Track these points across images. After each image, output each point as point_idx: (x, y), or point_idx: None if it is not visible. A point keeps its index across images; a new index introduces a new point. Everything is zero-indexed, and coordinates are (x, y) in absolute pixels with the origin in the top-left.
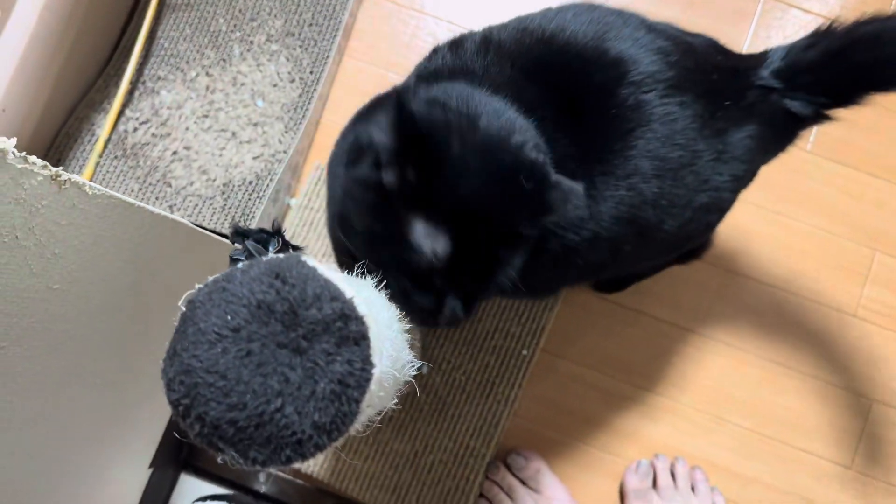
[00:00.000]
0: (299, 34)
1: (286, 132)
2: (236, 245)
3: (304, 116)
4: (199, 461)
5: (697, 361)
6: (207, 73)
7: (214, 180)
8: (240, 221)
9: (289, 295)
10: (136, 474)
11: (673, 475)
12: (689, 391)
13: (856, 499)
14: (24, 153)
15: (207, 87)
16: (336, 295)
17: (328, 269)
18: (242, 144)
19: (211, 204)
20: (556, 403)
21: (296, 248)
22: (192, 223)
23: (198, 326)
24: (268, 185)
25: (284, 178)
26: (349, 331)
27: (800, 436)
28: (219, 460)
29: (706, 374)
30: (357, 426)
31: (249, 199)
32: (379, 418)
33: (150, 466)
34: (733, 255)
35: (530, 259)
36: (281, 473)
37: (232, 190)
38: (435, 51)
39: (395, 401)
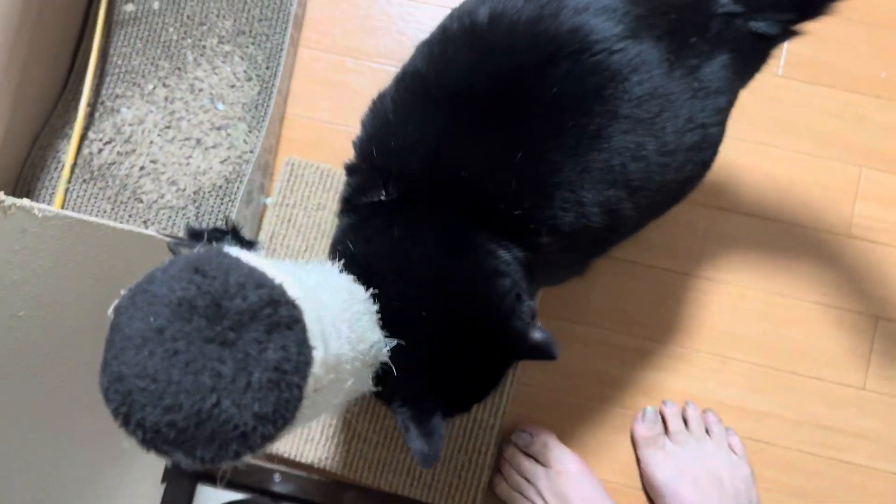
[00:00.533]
0: (250, 31)
1: (250, 132)
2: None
3: (265, 114)
4: (213, 469)
5: (697, 304)
6: (164, 84)
7: (184, 190)
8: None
9: (209, 288)
10: (150, 491)
11: (685, 420)
12: (692, 335)
13: (874, 418)
14: None
15: (166, 98)
16: (261, 282)
17: (256, 257)
18: (208, 150)
19: (184, 214)
20: (560, 365)
21: (250, 244)
22: (162, 234)
23: (123, 332)
24: (238, 188)
25: (255, 178)
26: (279, 316)
27: (808, 364)
28: (167, 464)
29: (707, 316)
30: (315, 411)
31: (221, 204)
32: (356, 400)
33: (163, 481)
34: (719, 192)
35: (535, 266)
36: (295, 471)
37: (203, 197)
38: (351, 170)
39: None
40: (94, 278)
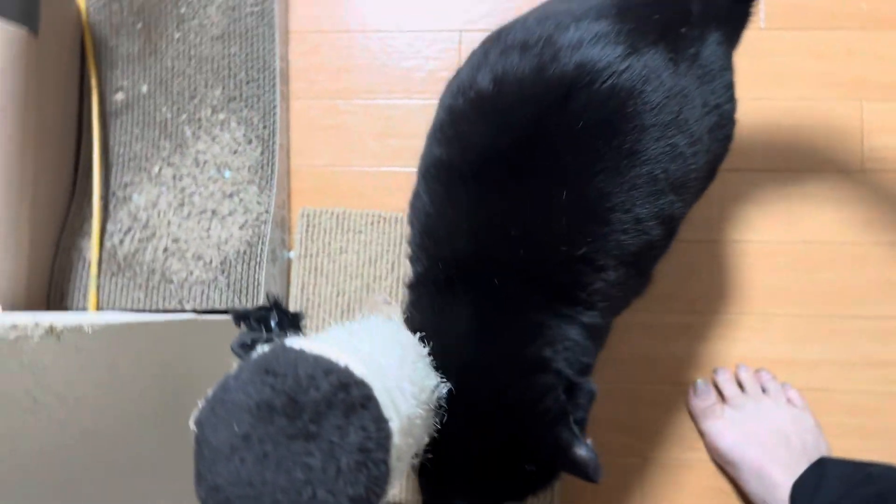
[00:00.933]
0: (241, 95)
1: (261, 192)
2: (241, 328)
3: (272, 172)
4: None
5: (728, 269)
6: (169, 164)
7: (211, 262)
8: (240, 300)
9: (283, 386)
10: None
11: (740, 384)
12: (729, 299)
13: None
14: (11, 323)
15: (174, 177)
16: (329, 368)
17: (319, 341)
18: (225, 219)
19: (216, 285)
20: (607, 355)
21: (295, 315)
22: (199, 312)
23: (210, 444)
24: (261, 250)
25: (275, 236)
26: (352, 397)
27: (848, 304)
28: None
29: (741, 278)
30: (398, 477)
31: (249, 268)
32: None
33: None
34: None
35: (598, 325)
36: None
37: (230, 265)
38: (412, 260)
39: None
40: (151, 375)
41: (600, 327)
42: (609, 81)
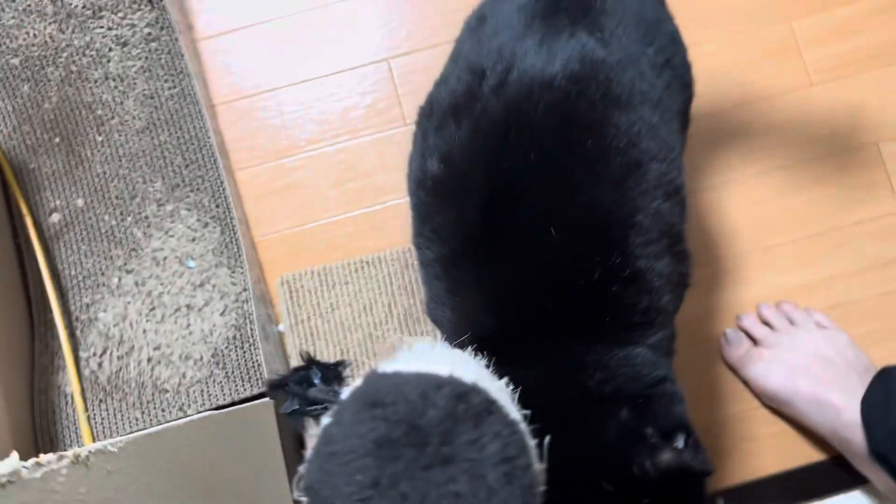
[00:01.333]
0: (183, 181)
1: (233, 272)
2: (282, 401)
3: (238, 248)
4: None
5: (715, 215)
6: (127, 271)
7: (201, 358)
8: (243, 387)
9: (397, 415)
10: None
11: (767, 324)
12: (726, 244)
13: None
14: (33, 461)
15: (136, 283)
16: (437, 382)
17: (407, 360)
18: (202, 310)
19: (214, 380)
20: None
21: (339, 364)
22: (209, 410)
23: None
24: (251, 329)
25: (260, 312)
26: (475, 405)
27: (842, 215)
28: None
29: (731, 220)
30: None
31: (244, 352)
32: None
33: None
34: None
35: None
36: None
37: (223, 355)
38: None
39: None
40: (186, 481)
41: (667, 337)
42: (555, 92)
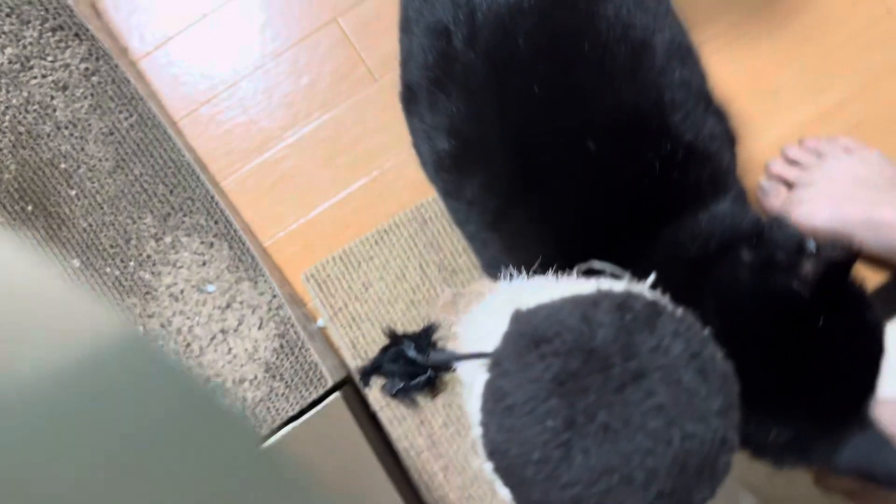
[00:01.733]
0: (173, 209)
1: (255, 284)
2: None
3: (252, 258)
4: None
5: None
6: (148, 317)
7: (255, 378)
8: (308, 390)
9: (567, 345)
10: None
11: (795, 163)
12: (728, 101)
13: None
14: None
15: (162, 326)
16: (588, 300)
17: (530, 291)
18: (238, 330)
19: (276, 394)
20: None
21: (427, 329)
22: (282, 425)
23: (529, 460)
24: (295, 333)
25: (296, 314)
26: (641, 311)
27: (833, 35)
28: None
29: (725, 70)
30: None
31: (297, 357)
32: None
33: None
34: None
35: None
36: None
37: (275, 368)
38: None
39: None
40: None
41: (740, 192)
42: (522, 25)
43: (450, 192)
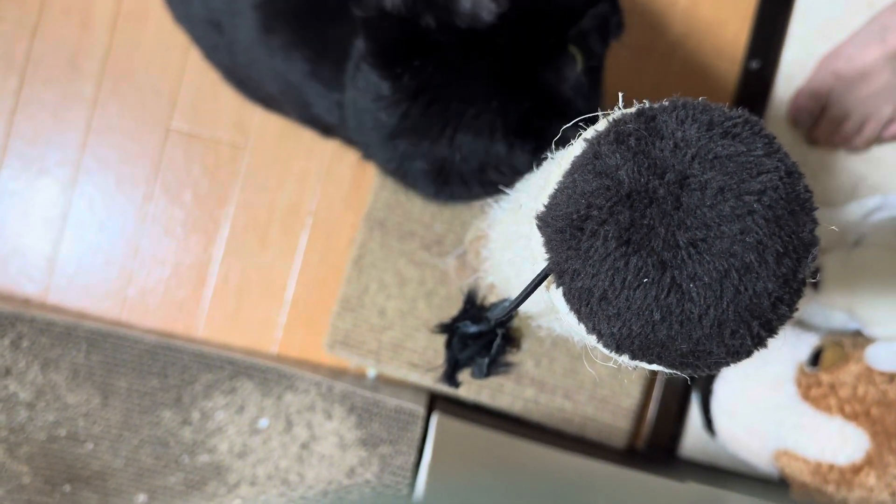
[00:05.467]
0: (178, 388)
1: (295, 389)
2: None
3: (275, 371)
4: None
5: None
6: (235, 486)
7: (361, 459)
8: (399, 429)
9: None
10: None
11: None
12: None
13: None
14: None
15: (251, 484)
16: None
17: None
18: (314, 435)
19: (387, 456)
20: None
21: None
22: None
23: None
24: (360, 398)
25: (349, 383)
26: (635, 128)
27: None
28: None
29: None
30: None
31: (378, 416)
32: None
33: None
34: None
35: None
36: None
37: (370, 438)
38: None
39: None
40: None
41: None
42: None
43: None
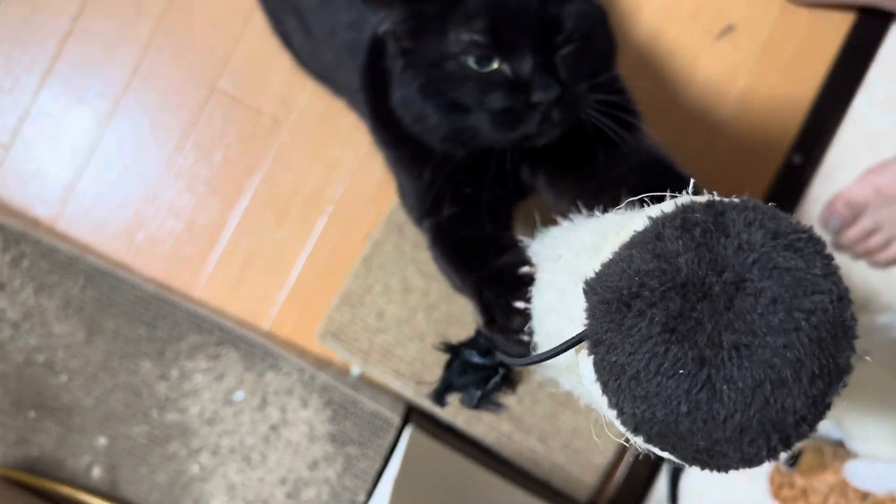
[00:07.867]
0: (164, 342)
1: (277, 369)
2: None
3: (262, 347)
4: None
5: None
6: (196, 451)
7: (326, 453)
8: (376, 427)
9: (650, 296)
10: None
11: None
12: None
13: None
14: None
15: (213, 454)
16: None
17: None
18: (286, 420)
19: (353, 458)
20: None
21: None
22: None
23: (678, 417)
24: (340, 394)
25: (331, 376)
26: (703, 220)
27: None
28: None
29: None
30: None
31: (353, 415)
32: None
33: None
34: None
35: None
36: None
37: (341, 435)
38: None
39: None
40: None
41: None
42: None
43: None
